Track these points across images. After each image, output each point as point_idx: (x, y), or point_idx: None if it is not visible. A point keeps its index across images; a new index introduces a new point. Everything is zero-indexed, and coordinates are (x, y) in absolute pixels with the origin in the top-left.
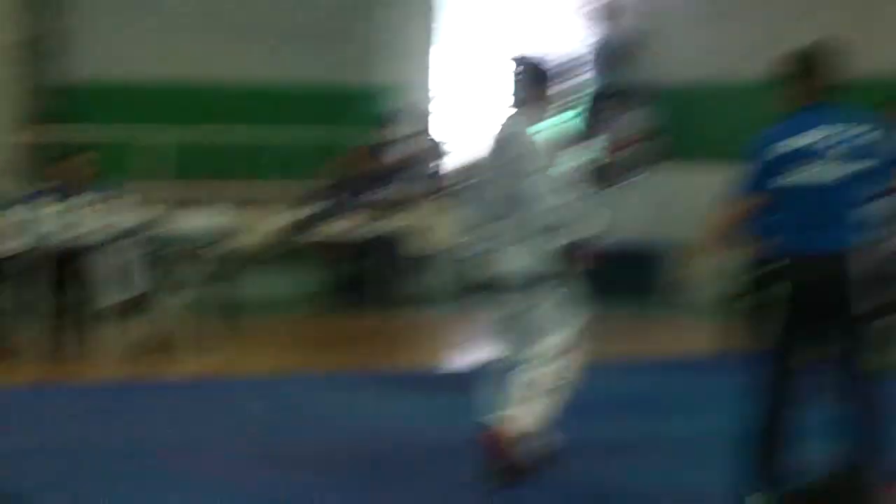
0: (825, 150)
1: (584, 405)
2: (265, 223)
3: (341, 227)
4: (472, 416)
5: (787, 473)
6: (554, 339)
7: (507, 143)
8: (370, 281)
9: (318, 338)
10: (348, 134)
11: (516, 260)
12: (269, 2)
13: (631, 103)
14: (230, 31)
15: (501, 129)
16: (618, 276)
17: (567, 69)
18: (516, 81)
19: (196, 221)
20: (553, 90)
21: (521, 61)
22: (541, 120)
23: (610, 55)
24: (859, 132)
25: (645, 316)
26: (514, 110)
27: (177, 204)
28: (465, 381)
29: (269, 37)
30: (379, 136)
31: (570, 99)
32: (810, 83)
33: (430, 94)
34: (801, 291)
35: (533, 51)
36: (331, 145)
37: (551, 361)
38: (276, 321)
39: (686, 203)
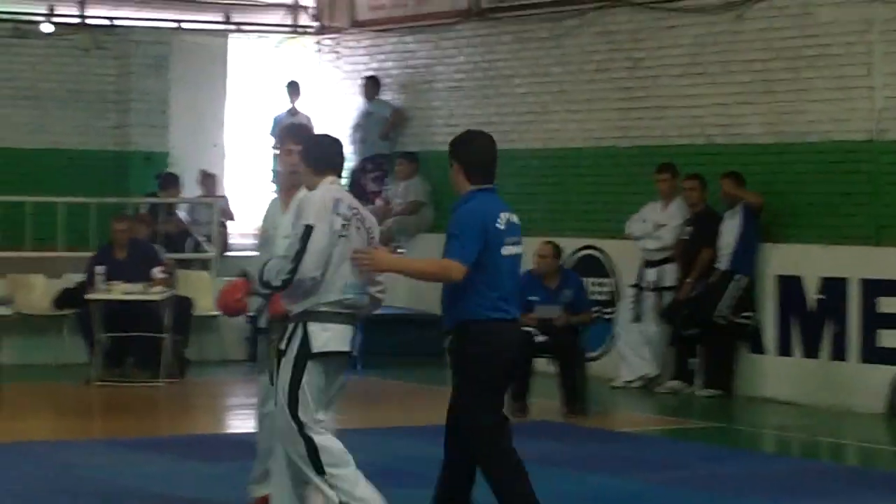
0: (509, 231)
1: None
2: (32, 290)
3: (116, 292)
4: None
5: None
6: None
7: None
8: (144, 347)
9: (91, 404)
10: (125, 199)
11: None
12: (39, 67)
13: (393, 175)
14: None
15: None
16: (389, 345)
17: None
18: None
19: None
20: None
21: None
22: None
23: (371, 127)
24: (515, 217)
25: (424, 382)
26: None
27: None
28: (244, 448)
29: (40, 101)
30: (159, 200)
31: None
32: (476, 166)
33: (216, 158)
34: (503, 353)
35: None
36: (107, 211)
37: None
38: (46, 389)
39: None
